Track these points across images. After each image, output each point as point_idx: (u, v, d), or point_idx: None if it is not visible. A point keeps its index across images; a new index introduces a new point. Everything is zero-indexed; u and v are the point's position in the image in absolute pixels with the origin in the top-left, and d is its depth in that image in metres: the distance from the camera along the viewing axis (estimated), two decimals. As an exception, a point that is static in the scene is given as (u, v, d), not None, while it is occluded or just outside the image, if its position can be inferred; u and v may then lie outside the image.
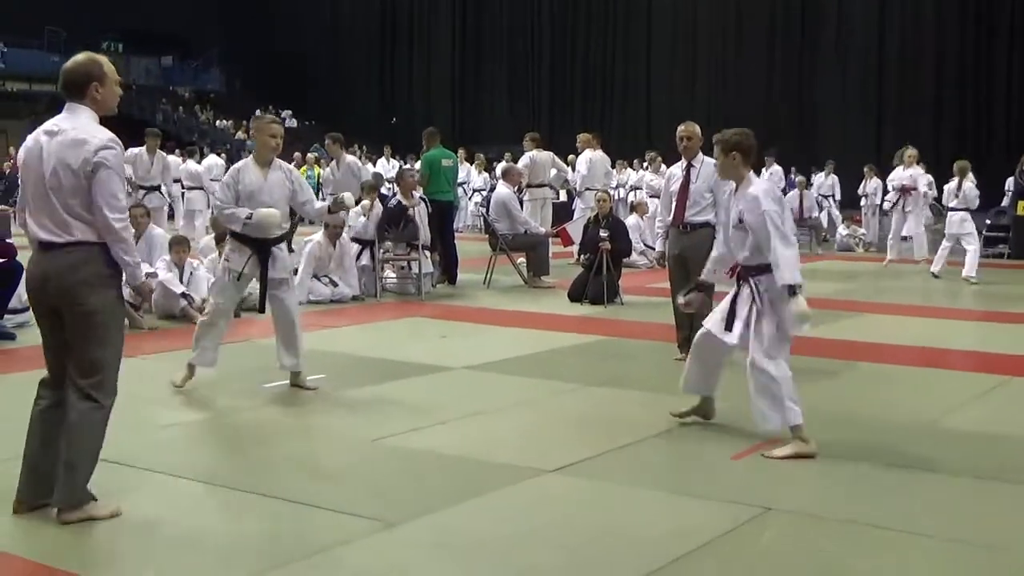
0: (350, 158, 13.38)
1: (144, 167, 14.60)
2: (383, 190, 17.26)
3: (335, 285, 11.28)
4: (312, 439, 5.92)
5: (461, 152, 21.71)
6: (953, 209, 14.31)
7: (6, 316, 8.80)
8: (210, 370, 7.00)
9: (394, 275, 12.24)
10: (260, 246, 6.86)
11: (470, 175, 23.52)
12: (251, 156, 7.08)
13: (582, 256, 11.91)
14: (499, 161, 22.01)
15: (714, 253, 6.18)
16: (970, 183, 14.31)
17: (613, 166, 18.35)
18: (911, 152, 15.89)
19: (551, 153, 15.50)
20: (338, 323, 9.95)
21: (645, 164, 20.95)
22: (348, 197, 7.27)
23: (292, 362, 7.05)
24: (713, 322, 5.93)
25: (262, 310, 7.13)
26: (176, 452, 5.67)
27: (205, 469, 4.97)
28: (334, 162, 12.99)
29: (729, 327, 5.78)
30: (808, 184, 21.00)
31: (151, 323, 9.42)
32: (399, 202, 12.04)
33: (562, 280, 12.43)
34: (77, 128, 4.32)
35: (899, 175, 15.97)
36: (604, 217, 11.70)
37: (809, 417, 6.42)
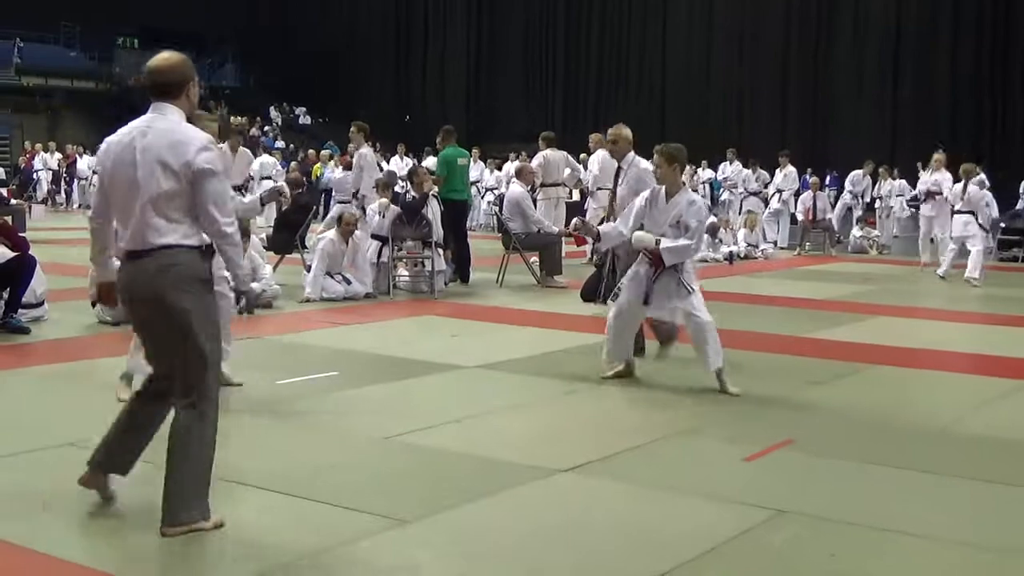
0: (364, 150, 13.33)
1: None
2: (396, 188, 17.26)
3: (348, 283, 11.29)
4: (324, 436, 5.92)
5: (475, 151, 21.71)
6: (958, 212, 14.29)
7: (20, 310, 8.83)
8: (106, 379, 6.59)
9: (407, 273, 12.24)
10: None
11: (483, 174, 23.52)
12: None
13: (595, 256, 11.88)
14: (513, 159, 22.00)
15: (612, 230, 7.29)
16: (975, 186, 14.30)
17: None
18: (938, 156, 15.87)
19: (565, 152, 15.49)
20: (351, 320, 9.96)
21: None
22: (284, 185, 7.18)
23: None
24: (628, 295, 7.10)
25: None
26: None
27: (218, 465, 4.96)
28: (356, 151, 13.05)
29: (647, 301, 7.02)
30: (823, 185, 20.94)
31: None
32: (415, 196, 12.05)
33: (575, 280, 12.41)
34: (173, 128, 4.20)
35: (926, 179, 15.93)
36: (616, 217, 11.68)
37: (824, 419, 6.43)
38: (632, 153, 8.49)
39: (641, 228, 7.04)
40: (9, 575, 3.95)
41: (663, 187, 7.05)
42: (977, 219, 14.22)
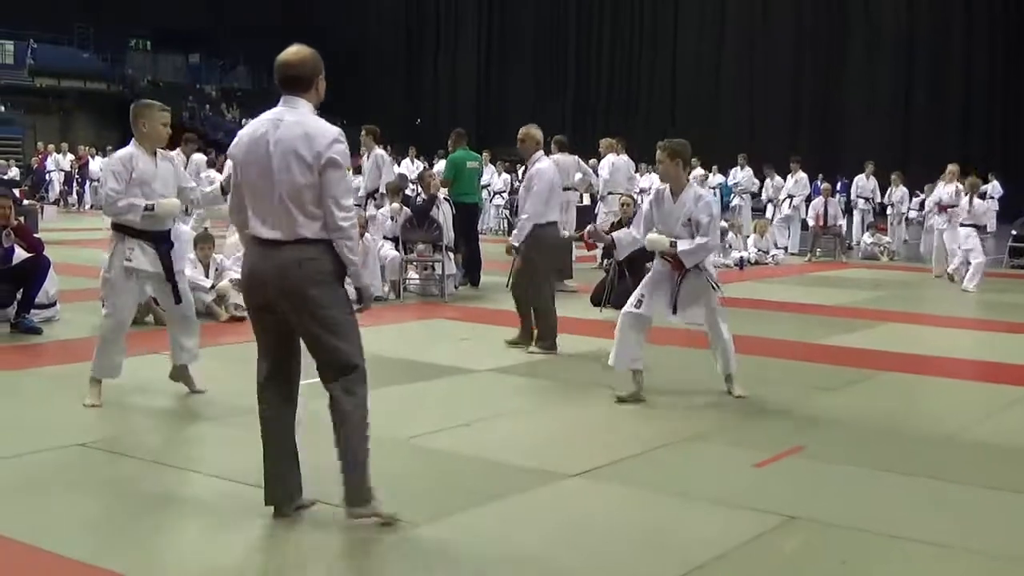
0: (379, 151, 13.37)
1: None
2: (407, 191, 17.28)
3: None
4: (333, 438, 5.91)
5: (485, 154, 21.71)
6: (963, 224, 14.36)
7: (32, 311, 8.87)
8: (115, 380, 6.52)
9: (417, 276, 12.25)
10: (157, 238, 6.44)
11: (492, 177, 23.52)
12: (135, 143, 6.44)
13: (605, 260, 11.90)
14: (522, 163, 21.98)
15: (626, 236, 7.09)
16: (979, 199, 14.39)
17: (636, 170, 18.34)
18: (952, 168, 15.85)
19: (576, 157, 15.48)
20: (361, 323, 9.94)
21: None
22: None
23: (191, 343, 6.67)
24: (650, 306, 6.79)
25: (179, 302, 6.55)
26: (205, 450, 5.70)
27: (230, 467, 4.98)
28: (366, 155, 13.07)
29: (674, 310, 6.80)
30: (834, 191, 20.89)
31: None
32: (425, 198, 12.07)
33: (585, 284, 12.41)
34: (305, 121, 4.22)
35: (939, 191, 15.91)
36: (627, 221, 11.68)
37: (834, 426, 6.42)
38: (540, 152, 8.71)
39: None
40: (17, 572, 3.96)
41: (667, 186, 6.89)
42: (981, 231, 14.29)
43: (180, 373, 6.76)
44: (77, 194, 29.49)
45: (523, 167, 8.77)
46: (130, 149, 6.44)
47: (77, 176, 29.53)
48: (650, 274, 7.02)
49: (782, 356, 8.76)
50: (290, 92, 4.28)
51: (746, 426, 6.37)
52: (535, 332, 8.56)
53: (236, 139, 4.35)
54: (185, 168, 8.55)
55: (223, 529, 4.36)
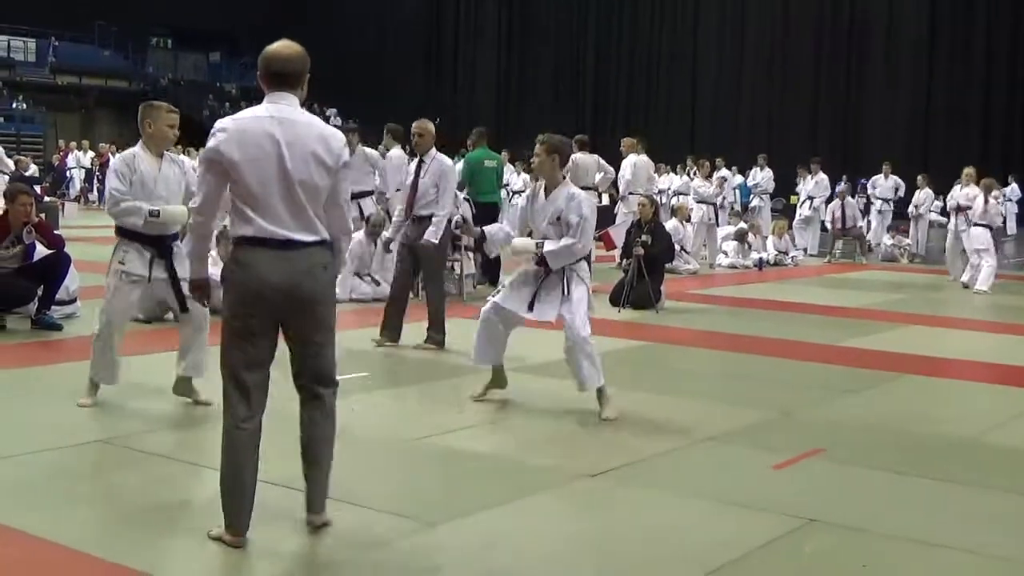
0: (394, 151, 13.24)
1: None
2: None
3: (377, 284, 11.32)
4: (353, 437, 5.90)
5: (505, 153, 21.68)
6: (975, 224, 14.32)
7: (53, 307, 8.90)
8: (114, 387, 6.35)
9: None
10: (157, 243, 6.21)
11: (511, 177, 23.49)
12: (141, 145, 6.28)
13: (624, 260, 11.88)
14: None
15: (499, 231, 6.86)
16: (994, 200, 14.42)
17: (657, 171, 18.28)
18: (968, 171, 15.77)
19: (597, 156, 15.44)
20: (379, 322, 9.96)
21: (688, 169, 20.85)
22: None
23: (197, 358, 6.30)
24: (510, 300, 6.54)
25: (184, 310, 6.27)
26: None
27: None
28: (388, 152, 13.06)
29: (531, 307, 6.49)
30: (854, 192, 20.78)
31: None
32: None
33: (604, 284, 12.38)
34: (315, 121, 4.12)
35: (957, 193, 15.83)
36: (646, 222, 11.68)
37: (855, 428, 6.38)
38: (434, 148, 8.72)
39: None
40: (35, 568, 3.97)
41: (542, 182, 6.63)
42: (996, 232, 14.27)
43: (182, 386, 6.40)
44: (98, 191, 29.58)
45: (417, 160, 8.65)
46: (135, 149, 6.29)
47: (98, 173, 29.67)
48: (519, 271, 6.71)
49: (801, 358, 8.71)
50: (279, 87, 4.09)
51: (763, 428, 6.34)
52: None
53: (223, 135, 3.98)
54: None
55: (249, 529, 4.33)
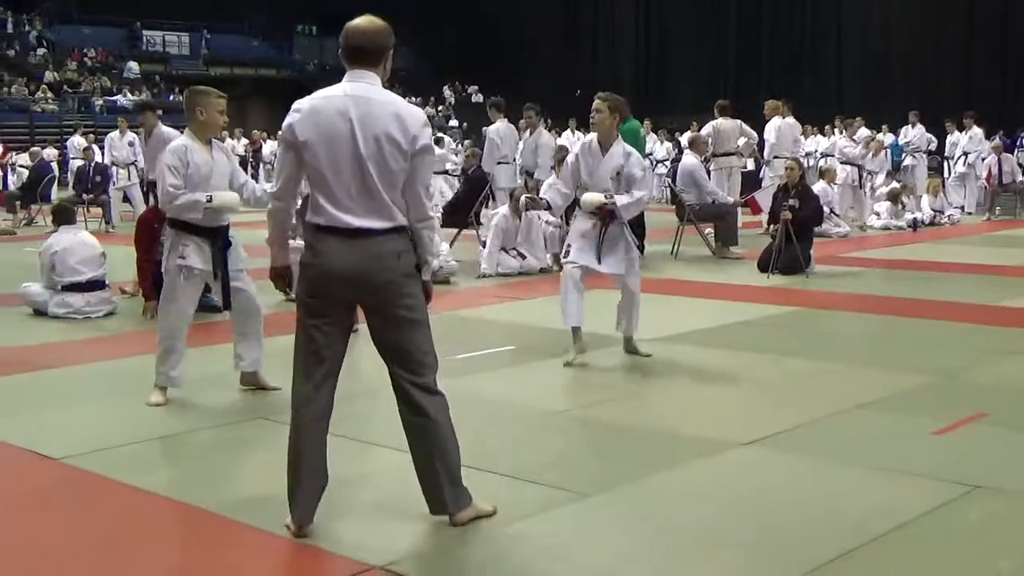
0: (498, 124, 13.25)
1: None
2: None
3: (523, 257, 11.40)
4: (499, 410, 5.99)
5: (647, 123, 21.49)
6: None
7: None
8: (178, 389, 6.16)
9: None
10: (215, 235, 6.05)
11: (654, 146, 23.29)
12: (188, 134, 6.11)
13: (771, 226, 11.66)
14: (684, 131, 21.71)
15: (557, 195, 7.06)
16: None
17: (803, 133, 17.84)
18: None
19: (739, 121, 15.17)
20: (526, 295, 10.05)
21: (836, 129, 20.28)
22: None
23: (255, 357, 6.25)
24: (582, 257, 6.80)
25: (227, 307, 6.24)
26: (372, 421, 5.83)
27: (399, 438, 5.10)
28: (527, 132, 13.11)
29: (600, 260, 6.79)
30: (1015, 147, 19.85)
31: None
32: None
33: (751, 250, 12.19)
34: (394, 100, 3.89)
35: None
36: (793, 186, 11.43)
37: (1018, 391, 6.14)
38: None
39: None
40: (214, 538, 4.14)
41: (594, 137, 6.88)
42: None
43: (247, 379, 6.32)
44: (252, 177, 30.59)
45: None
46: (184, 140, 6.07)
47: (251, 160, 30.65)
48: (573, 229, 7.00)
49: (959, 319, 8.41)
50: (359, 65, 3.90)
51: (923, 392, 6.15)
52: None
53: (297, 116, 3.86)
54: None
55: (390, 515, 4.39)
